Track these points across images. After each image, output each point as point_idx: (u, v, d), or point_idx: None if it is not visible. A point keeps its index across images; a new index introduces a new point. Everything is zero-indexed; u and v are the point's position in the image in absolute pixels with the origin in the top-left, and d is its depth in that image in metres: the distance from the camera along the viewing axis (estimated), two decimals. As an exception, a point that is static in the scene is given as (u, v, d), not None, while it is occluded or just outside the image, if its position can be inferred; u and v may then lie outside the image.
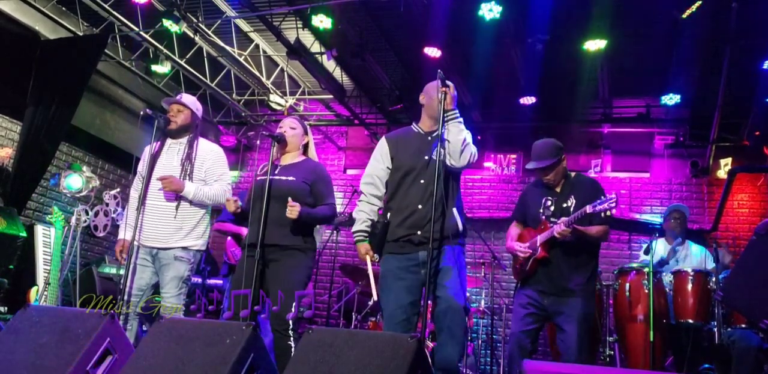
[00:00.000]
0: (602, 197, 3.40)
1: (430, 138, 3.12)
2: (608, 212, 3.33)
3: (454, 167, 3.01)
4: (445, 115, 2.99)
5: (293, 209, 3.19)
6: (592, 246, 3.65)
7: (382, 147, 3.27)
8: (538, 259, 3.56)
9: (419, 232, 2.95)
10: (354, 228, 3.20)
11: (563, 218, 3.44)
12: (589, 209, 3.37)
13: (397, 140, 3.24)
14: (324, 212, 3.41)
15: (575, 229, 3.40)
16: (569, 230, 3.37)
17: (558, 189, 3.69)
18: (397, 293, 2.97)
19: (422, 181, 3.01)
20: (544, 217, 3.63)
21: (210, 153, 3.74)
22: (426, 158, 3.03)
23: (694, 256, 4.87)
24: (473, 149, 3.04)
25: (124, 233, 3.61)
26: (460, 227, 3.05)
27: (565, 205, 3.60)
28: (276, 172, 3.45)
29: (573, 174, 3.77)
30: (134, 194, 3.71)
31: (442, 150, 2.97)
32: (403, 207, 3.05)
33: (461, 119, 3.03)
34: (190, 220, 3.62)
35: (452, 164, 2.98)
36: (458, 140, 2.96)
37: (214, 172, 3.70)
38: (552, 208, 3.63)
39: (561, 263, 3.54)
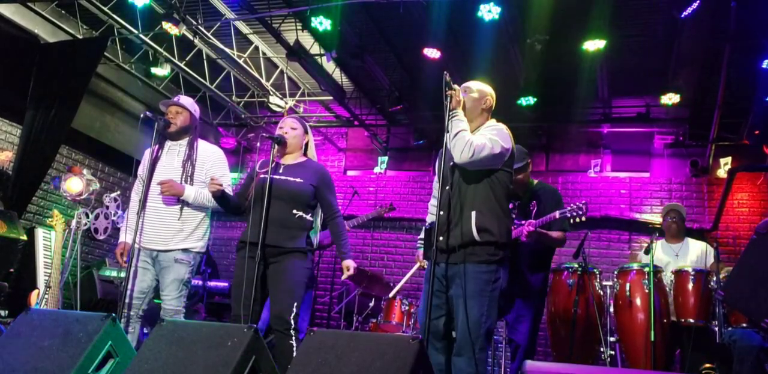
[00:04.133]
0: (563, 204, 3.70)
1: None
2: (577, 219, 3.56)
3: (462, 165, 2.93)
4: (449, 113, 2.98)
5: (350, 272, 3.45)
6: (549, 250, 3.97)
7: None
8: None
9: (441, 238, 2.91)
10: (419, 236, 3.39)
11: (531, 221, 3.68)
12: (557, 215, 3.62)
13: (442, 152, 3.26)
14: (344, 235, 3.55)
15: (540, 232, 3.66)
16: (535, 232, 3.62)
17: (521, 194, 3.93)
18: (427, 296, 2.97)
19: (447, 187, 3.00)
20: None
21: (211, 155, 3.74)
22: (451, 163, 2.99)
23: (692, 253, 4.87)
24: (467, 141, 2.85)
25: (125, 236, 3.62)
26: (475, 234, 2.86)
27: (528, 209, 3.85)
28: (280, 171, 3.45)
29: (536, 181, 4.04)
30: (135, 197, 3.70)
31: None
32: (437, 215, 3.07)
33: (459, 117, 2.97)
34: (191, 222, 3.62)
35: (456, 161, 2.94)
36: (449, 136, 2.91)
37: (214, 174, 3.70)
38: (515, 211, 3.86)
39: (521, 264, 3.80)
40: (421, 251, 3.28)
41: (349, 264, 3.46)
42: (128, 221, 3.67)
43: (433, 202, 3.30)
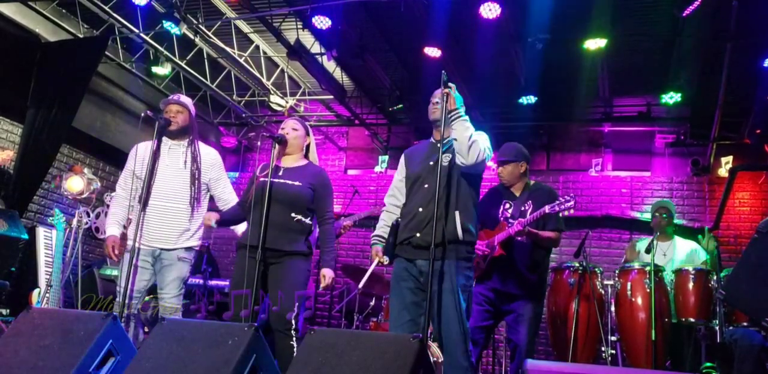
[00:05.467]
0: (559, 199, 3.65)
1: (439, 145, 3.12)
2: (565, 213, 3.57)
3: (465, 166, 2.98)
4: (449, 116, 3.00)
5: (326, 281, 3.34)
6: (545, 250, 3.94)
7: (400, 160, 3.38)
8: (495, 257, 3.77)
9: (418, 234, 2.98)
10: (373, 233, 3.32)
11: (520, 219, 3.70)
12: (547, 209, 3.61)
13: (411, 152, 3.36)
14: (331, 243, 3.45)
15: (529, 230, 3.67)
16: (525, 230, 3.63)
17: (517, 194, 3.97)
18: (401, 294, 3.02)
19: (426, 185, 3.05)
20: (502, 218, 3.88)
21: (208, 159, 3.78)
22: (431, 163, 3.07)
23: (681, 252, 4.86)
24: (482, 146, 2.96)
25: (113, 230, 3.59)
26: (460, 233, 2.96)
27: (523, 208, 3.86)
28: (279, 174, 3.45)
29: (533, 182, 4.05)
30: (121, 192, 3.67)
31: (447, 154, 3.04)
32: (407, 212, 3.12)
33: (466, 117, 3.02)
34: (197, 221, 3.65)
35: (462, 162, 2.98)
36: (464, 137, 2.94)
37: (212, 177, 3.77)
38: (510, 210, 3.90)
39: (516, 262, 3.80)
40: (379, 248, 3.21)
41: (327, 273, 3.36)
42: (114, 216, 3.64)
43: (392, 201, 3.28)
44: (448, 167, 3.03)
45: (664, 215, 4.97)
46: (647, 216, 7.18)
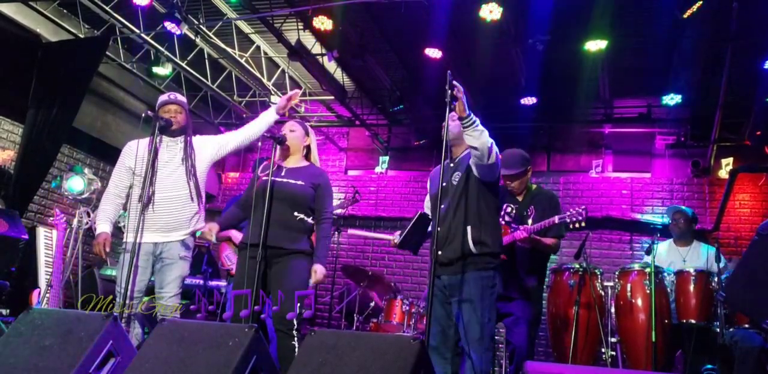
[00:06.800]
0: (560, 210, 3.71)
1: (452, 164, 3.26)
2: (576, 225, 3.60)
3: (483, 168, 3.04)
4: (462, 123, 3.01)
5: (317, 276, 3.36)
6: (545, 255, 3.99)
7: (428, 183, 3.55)
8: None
9: (440, 252, 3.05)
10: None
11: (527, 226, 3.72)
12: (556, 219, 3.64)
13: (434, 174, 3.47)
14: (327, 239, 3.51)
15: (533, 238, 3.70)
16: (529, 237, 3.66)
17: (520, 198, 3.98)
18: (434, 308, 3.07)
19: (443, 205, 3.14)
20: (503, 222, 3.87)
21: (199, 145, 3.80)
22: (444, 184, 3.16)
23: (702, 256, 4.86)
24: (495, 149, 3.04)
25: (108, 228, 3.59)
26: (472, 246, 3.04)
27: (525, 213, 3.89)
28: (282, 174, 3.46)
29: (534, 186, 4.06)
30: (114, 189, 3.65)
31: (458, 172, 3.16)
32: (432, 231, 3.20)
33: (477, 122, 3.01)
34: (201, 206, 3.67)
35: (480, 164, 3.03)
36: (483, 142, 2.95)
37: (211, 143, 3.83)
38: (513, 214, 3.92)
39: (516, 266, 3.83)
40: (397, 233, 3.48)
41: (318, 269, 3.36)
42: (105, 213, 3.62)
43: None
44: (459, 185, 3.14)
45: (680, 220, 4.97)
46: (648, 218, 7.21)
